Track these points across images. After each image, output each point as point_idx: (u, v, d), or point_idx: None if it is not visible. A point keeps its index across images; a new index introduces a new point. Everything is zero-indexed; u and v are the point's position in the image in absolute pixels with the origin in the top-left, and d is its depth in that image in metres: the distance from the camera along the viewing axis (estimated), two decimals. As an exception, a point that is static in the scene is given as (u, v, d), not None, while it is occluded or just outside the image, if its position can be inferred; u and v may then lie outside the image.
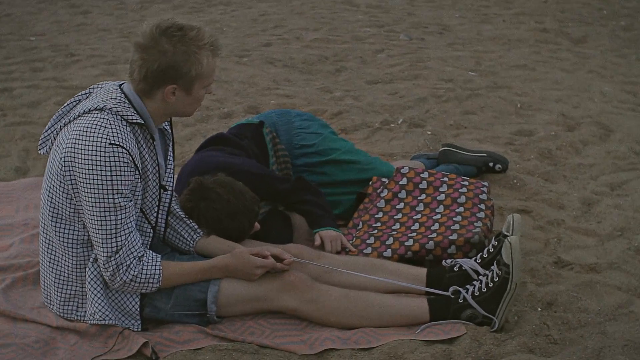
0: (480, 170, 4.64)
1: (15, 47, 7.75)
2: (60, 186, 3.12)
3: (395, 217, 3.84)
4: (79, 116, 3.13)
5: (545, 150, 5.10)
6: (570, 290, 3.56)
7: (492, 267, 3.28)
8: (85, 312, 3.27)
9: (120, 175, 3.03)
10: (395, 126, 5.56)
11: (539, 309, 3.43)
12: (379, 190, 3.98)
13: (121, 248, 3.10)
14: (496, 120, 5.69)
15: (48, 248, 3.27)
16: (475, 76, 6.73)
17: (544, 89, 6.40)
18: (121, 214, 3.08)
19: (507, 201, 4.39)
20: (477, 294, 3.27)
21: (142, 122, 3.12)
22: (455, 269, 3.47)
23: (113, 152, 3.01)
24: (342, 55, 7.45)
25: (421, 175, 3.95)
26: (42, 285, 3.39)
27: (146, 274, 3.16)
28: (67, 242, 3.20)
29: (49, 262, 3.28)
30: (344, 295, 3.30)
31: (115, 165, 3.02)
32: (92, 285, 3.20)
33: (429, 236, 3.63)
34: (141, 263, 3.15)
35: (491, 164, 4.65)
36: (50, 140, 3.25)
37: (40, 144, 3.30)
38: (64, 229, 3.19)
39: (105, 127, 3.03)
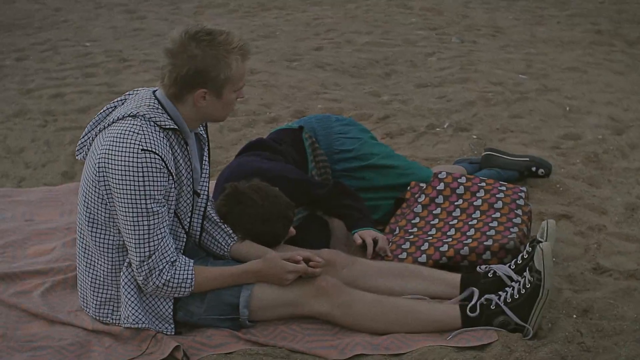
0: (523, 174, 4.60)
1: (70, 53, 7.89)
2: (95, 192, 3.18)
3: (431, 222, 3.83)
4: (113, 123, 3.18)
5: (592, 154, 5.04)
6: (607, 297, 3.51)
7: (524, 274, 3.26)
8: (120, 315, 3.32)
9: (153, 181, 3.08)
10: (440, 130, 5.54)
11: (574, 316, 3.38)
12: (416, 195, 3.97)
13: (154, 253, 3.15)
14: (544, 124, 5.63)
15: (85, 252, 3.33)
16: (526, 79, 6.66)
17: (594, 91, 6.31)
18: (154, 219, 3.12)
19: (548, 206, 4.34)
20: (509, 300, 3.24)
21: (176, 127, 3.16)
22: (490, 275, 3.45)
23: (145, 158, 3.06)
24: (392, 59, 7.44)
25: (458, 180, 3.94)
26: (79, 288, 3.45)
27: (179, 279, 3.20)
28: (103, 247, 3.25)
29: (86, 266, 3.34)
30: (375, 301, 3.31)
31: (148, 172, 3.06)
32: (126, 290, 3.25)
33: (464, 242, 3.62)
34: (174, 268, 3.19)
35: (534, 169, 4.60)
36: (86, 146, 3.31)
37: (78, 150, 3.36)
38: (100, 233, 3.24)
39: (138, 134, 3.08)
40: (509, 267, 3.44)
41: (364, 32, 8.52)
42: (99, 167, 3.13)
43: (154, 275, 3.17)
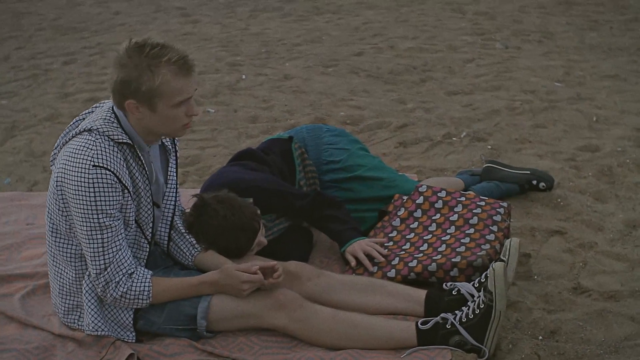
0: (524, 188, 4.50)
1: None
2: (56, 204, 3.24)
3: (407, 236, 3.79)
4: (73, 137, 3.24)
5: (605, 168, 4.90)
6: (578, 318, 3.41)
7: (479, 294, 3.19)
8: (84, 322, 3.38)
9: (104, 196, 3.11)
10: (456, 140, 5.47)
11: (540, 337, 3.30)
12: (397, 209, 3.93)
13: (109, 265, 3.18)
14: (565, 135, 5.50)
15: (53, 260, 3.40)
16: (561, 87, 6.52)
17: (627, 101, 6.14)
18: (107, 233, 3.16)
19: (543, 221, 4.24)
20: (464, 320, 3.18)
21: (129, 141, 3.19)
22: (454, 292, 3.39)
23: (97, 174, 3.09)
24: (430, 65, 7.38)
25: (438, 194, 3.88)
26: (51, 294, 3.53)
27: (135, 291, 3.24)
28: (66, 256, 3.31)
29: (54, 274, 3.41)
30: (331, 316, 3.28)
31: (99, 187, 3.10)
32: (87, 298, 3.30)
33: (433, 257, 3.56)
34: (131, 280, 3.23)
35: (535, 182, 4.50)
36: (56, 158, 3.37)
37: (51, 161, 3.43)
38: (63, 243, 3.30)
39: (90, 149, 3.11)
40: (473, 284, 3.38)
41: (409, 37, 8.46)
42: (57, 181, 3.19)
43: (110, 287, 3.21)
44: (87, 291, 3.30)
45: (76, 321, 3.42)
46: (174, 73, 3.07)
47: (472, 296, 3.33)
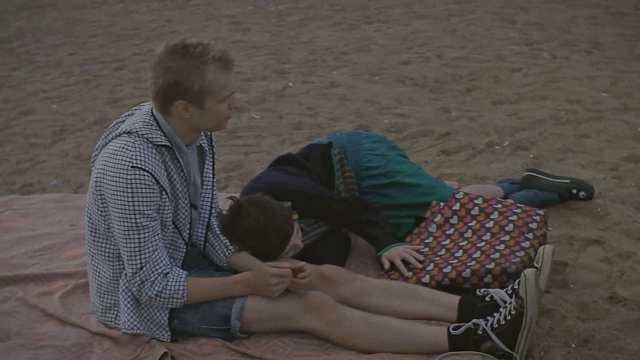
0: (564, 197, 4.48)
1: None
2: (95, 204, 3.31)
3: (443, 242, 3.79)
4: (113, 139, 3.31)
5: (649, 178, 4.86)
6: (613, 327, 3.39)
7: (511, 300, 3.19)
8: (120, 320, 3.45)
9: (142, 197, 3.17)
10: (499, 149, 5.46)
11: (573, 346, 3.29)
12: (434, 215, 3.94)
13: (145, 264, 3.24)
14: (609, 145, 5.46)
15: (92, 259, 3.47)
16: (607, 97, 6.47)
17: (674, 112, 6.08)
18: (144, 233, 3.22)
19: (582, 230, 4.22)
20: (495, 325, 3.18)
21: (168, 144, 3.25)
22: (487, 299, 3.39)
23: (135, 174, 3.15)
24: (478, 75, 7.36)
25: (475, 201, 3.88)
26: (90, 292, 3.60)
27: (170, 290, 3.29)
28: (105, 255, 3.38)
29: (93, 273, 3.48)
30: (364, 319, 3.30)
31: (137, 188, 3.16)
32: (124, 297, 3.37)
33: (468, 264, 3.57)
34: (166, 279, 3.29)
35: (574, 191, 4.48)
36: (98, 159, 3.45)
37: (92, 162, 3.50)
38: (101, 243, 3.37)
39: (129, 151, 3.18)
40: (506, 291, 3.37)
41: (457, 46, 8.46)
42: (96, 182, 3.26)
43: (146, 287, 3.27)
44: (123, 290, 3.36)
45: (113, 320, 3.49)
46: (220, 69, 3.15)
47: (505, 302, 3.33)
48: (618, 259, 3.96)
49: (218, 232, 3.61)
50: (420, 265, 3.67)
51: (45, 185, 5.28)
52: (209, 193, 3.54)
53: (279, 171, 4.04)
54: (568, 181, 4.50)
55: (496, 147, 5.48)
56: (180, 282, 3.30)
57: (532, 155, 5.27)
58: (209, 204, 3.55)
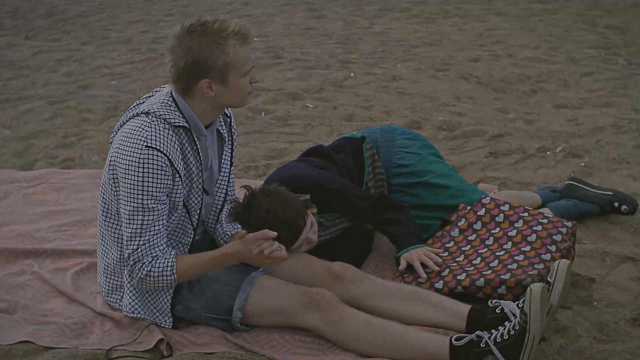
0: (604, 209, 4.28)
1: (231, 47, 8.13)
2: (108, 183, 3.28)
3: (463, 247, 3.66)
4: (130, 119, 3.28)
5: (700, 196, 4.61)
6: (628, 351, 3.21)
7: (516, 314, 3.05)
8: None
9: (152, 178, 3.12)
10: (550, 154, 5.26)
11: (582, 368, 3.13)
12: (459, 219, 3.80)
13: (142, 246, 3.19)
14: (667, 158, 5.22)
15: (101, 240, 3.44)
16: (676, 110, 6.19)
17: None
18: (149, 216, 3.17)
19: (617, 246, 4.02)
20: (499, 340, 3.04)
21: (186, 125, 3.19)
22: (497, 310, 3.25)
23: (149, 154, 3.11)
24: (546, 76, 7.13)
25: (501, 207, 3.73)
26: (97, 272, 3.58)
27: (159, 269, 3.20)
28: (114, 236, 3.35)
29: (101, 252, 3.46)
30: (364, 322, 3.20)
31: (149, 168, 3.11)
32: (127, 280, 3.33)
33: (483, 272, 3.43)
34: (155, 260, 3.21)
35: (616, 204, 4.28)
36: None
37: (110, 142, 3.48)
38: (112, 223, 3.34)
39: (145, 131, 3.14)
40: (517, 305, 3.23)
41: (531, 46, 8.22)
42: (110, 161, 3.24)
43: (137, 268, 3.21)
44: (127, 273, 3.33)
45: (118, 301, 3.46)
46: (240, 43, 3.12)
47: (515, 316, 3.19)
48: (651, 279, 3.76)
49: (222, 219, 3.53)
50: (437, 269, 3.54)
51: (87, 160, 5.30)
52: (225, 181, 3.49)
53: (306, 162, 3.95)
54: (610, 193, 4.30)
55: (547, 153, 5.28)
56: (168, 260, 3.21)
57: (583, 164, 5.06)
58: (224, 191, 3.50)
